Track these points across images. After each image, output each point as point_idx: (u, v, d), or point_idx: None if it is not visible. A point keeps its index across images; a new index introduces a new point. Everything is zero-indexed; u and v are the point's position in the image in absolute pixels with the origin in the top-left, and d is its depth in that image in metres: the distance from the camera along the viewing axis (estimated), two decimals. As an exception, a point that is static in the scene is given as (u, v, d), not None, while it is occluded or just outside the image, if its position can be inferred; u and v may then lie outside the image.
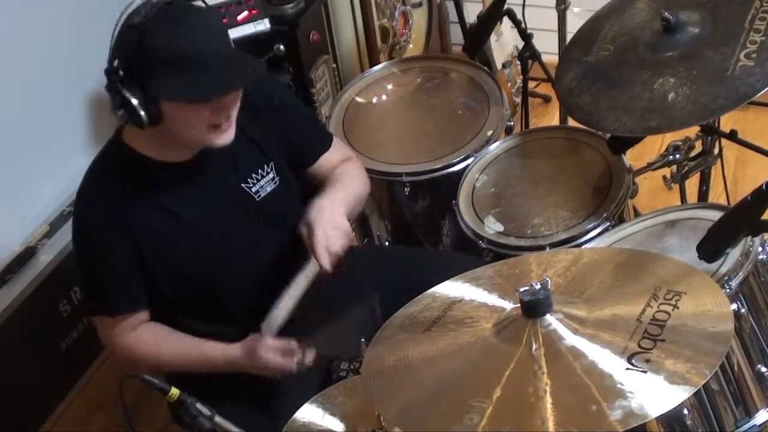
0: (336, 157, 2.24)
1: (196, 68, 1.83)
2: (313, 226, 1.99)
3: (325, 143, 2.24)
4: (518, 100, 3.24)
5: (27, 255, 2.46)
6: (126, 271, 1.99)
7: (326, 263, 1.96)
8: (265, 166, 2.08)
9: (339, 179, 2.17)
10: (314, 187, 2.19)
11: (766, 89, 2.01)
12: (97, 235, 1.96)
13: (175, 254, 2.00)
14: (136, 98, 1.83)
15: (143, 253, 1.98)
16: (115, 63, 1.84)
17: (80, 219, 2.02)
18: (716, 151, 2.48)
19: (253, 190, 2.07)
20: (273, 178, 2.09)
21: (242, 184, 2.06)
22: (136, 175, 1.97)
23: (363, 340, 1.81)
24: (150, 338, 2.06)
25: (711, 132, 2.38)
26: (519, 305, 1.57)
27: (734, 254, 1.87)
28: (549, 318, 1.55)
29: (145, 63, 1.82)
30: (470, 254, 2.38)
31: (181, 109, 1.86)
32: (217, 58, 1.86)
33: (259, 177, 2.08)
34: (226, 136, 1.94)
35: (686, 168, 2.42)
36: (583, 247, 2.22)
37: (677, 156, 2.38)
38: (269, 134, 2.10)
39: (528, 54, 2.72)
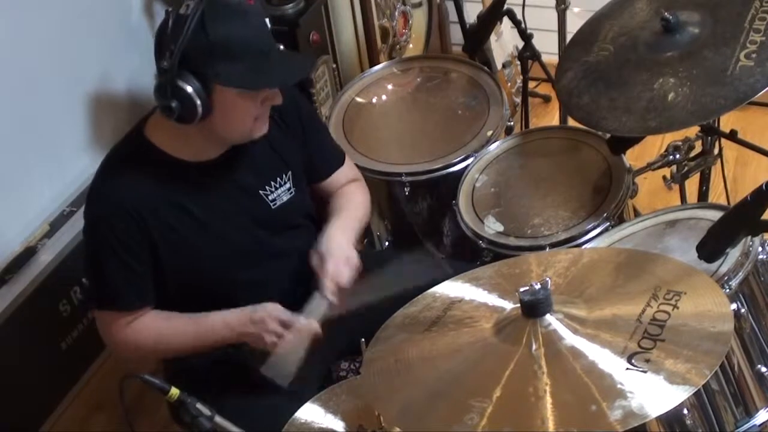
0: (347, 175, 2.28)
1: (259, 57, 1.86)
2: (326, 258, 2.03)
3: (339, 160, 2.28)
4: (518, 100, 3.24)
5: (27, 255, 2.45)
6: (137, 266, 1.98)
7: (332, 296, 2.01)
8: (284, 175, 2.10)
9: (346, 206, 2.21)
10: (322, 203, 2.24)
11: (766, 89, 2.01)
12: (110, 228, 1.95)
13: (186, 253, 2.00)
14: (192, 88, 1.84)
15: (155, 249, 1.98)
16: (169, 54, 1.83)
17: (94, 210, 2.00)
18: (716, 151, 2.48)
19: (270, 197, 2.08)
20: (290, 188, 2.11)
21: (260, 191, 2.07)
22: (154, 170, 1.96)
23: (363, 340, 1.81)
24: (150, 325, 2.05)
25: (711, 132, 2.38)
26: (519, 305, 1.57)
27: (734, 254, 1.87)
28: (549, 318, 1.55)
29: (207, 52, 1.82)
30: (470, 254, 2.38)
31: (235, 99, 1.88)
32: (276, 49, 1.93)
33: (278, 185, 2.09)
34: (264, 128, 1.98)
35: (686, 168, 2.42)
36: (583, 247, 2.22)
37: (677, 156, 2.38)
38: (292, 145, 2.12)
39: (528, 54, 2.72)
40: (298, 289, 2.17)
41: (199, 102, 1.84)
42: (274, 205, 2.09)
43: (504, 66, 3.32)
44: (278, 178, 2.09)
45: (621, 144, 2.32)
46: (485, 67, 2.82)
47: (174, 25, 1.83)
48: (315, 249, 2.08)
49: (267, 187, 2.08)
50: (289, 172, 2.11)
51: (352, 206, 2.22)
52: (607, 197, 2.33)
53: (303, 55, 2.09)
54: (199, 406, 1.69)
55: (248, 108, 1.91)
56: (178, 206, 1.98)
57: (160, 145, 1.97)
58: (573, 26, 2.62)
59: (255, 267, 2.09)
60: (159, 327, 2.06)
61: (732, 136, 2.35)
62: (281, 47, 2.03)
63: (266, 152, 2.07)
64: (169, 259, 1.99)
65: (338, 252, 2.05)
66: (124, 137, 2.06)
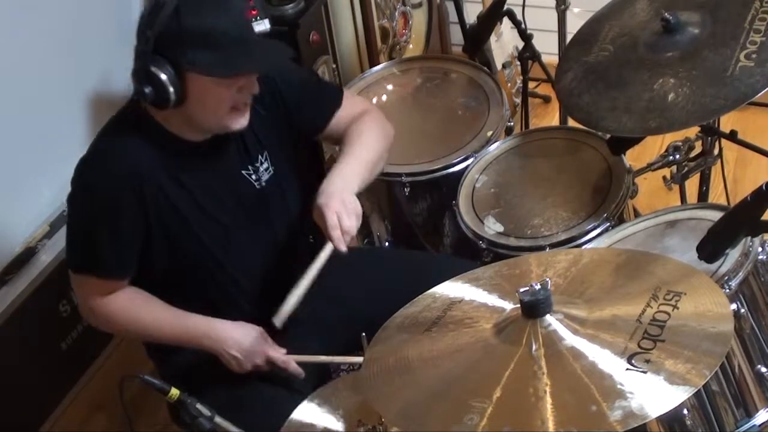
0: (352, 112, 2.22)
1: (233, 46, 1.85)
2: (324, 210, 1.98)
3: (334, 102, 2.21)
4: (518, 100, 3.24)
5: (27, 255, 2.45)
6: (126, 236, 1.97)
7: (342, 246, 1.97)
8: (259, 156, 2.09)
9: (350, 144, 2.15)
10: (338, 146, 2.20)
11: (766, 89, 2.01)
12: (106, 195, 1.93)
13: (179, 230, 1.99)
14: (165, 74, 1.84)
15: (148, 221, 1.96)
16: (145, 40, 1.84)
17: (92, 176, 1.97)
18: (716, 151, 2.48)
19: (253, 177, 2.08)
20: (267, 168, 2.09)
21: (243, 171, 2.07)
22: (155, 142, 1.95)
23: (364, 335, 1.80)
24: (125, 303, 2.04)
25: (711, 132, 2.38)
26: (519, 306, 1.57)
27: (734, 254, 1.87)
28: (549, 318, 1.55)
29: (180, 39, 1.82)
30: (470, 254, 2.38)
31: (210, 87, 1.87)
32: (253, 37, 1.92)
33: (258, 165, 2.08)
34: (244, 120, 1.96)
35: (686, 168, 2.42)
36: (583, 247, 2.22)
37: (677, 156, 2.38)
38: (268, 119, 2.08)
39: (528, 54, 2.72)
40: (279, 269, 2.14)
41: (171, 89, 1.85)
42: (258, 184, 2.08)
43: (504, 66, 3.32)
44: (259, 157, 2.08)
45: (621, 144, 2.32)
46: (485, 68, 2.82)
47: (150, 12, 1.84)
48: (315, 203, 2.01)
49: (249, 167, 2.07)
50: (265, 152, 2.09)
51: (357, 148, 2.14)
52: (607, 197, 2.33)
53: (281, 44, 2.06)
54: (199, 406, 1.69)
55: (222, 95, 1.90)
56: (176, 179, 1.97)
57: (157, 118, 1.95)
58: (573, 26, 2.61)
59: (242, 251, 2.08)
60: (135, 307, 2.04)
61: (732, 136, 2.35)
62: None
63: (248, 132, 2.04)
64: (159, 232, 1.98)
65: (337, 203, 1.98)
66: (122, 109, 2.03)
